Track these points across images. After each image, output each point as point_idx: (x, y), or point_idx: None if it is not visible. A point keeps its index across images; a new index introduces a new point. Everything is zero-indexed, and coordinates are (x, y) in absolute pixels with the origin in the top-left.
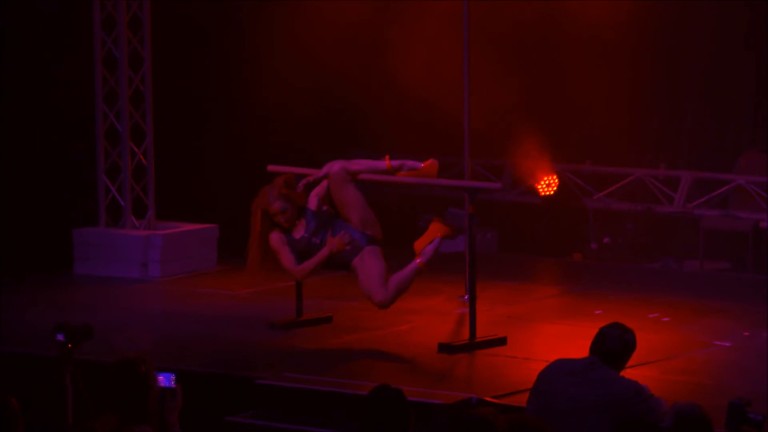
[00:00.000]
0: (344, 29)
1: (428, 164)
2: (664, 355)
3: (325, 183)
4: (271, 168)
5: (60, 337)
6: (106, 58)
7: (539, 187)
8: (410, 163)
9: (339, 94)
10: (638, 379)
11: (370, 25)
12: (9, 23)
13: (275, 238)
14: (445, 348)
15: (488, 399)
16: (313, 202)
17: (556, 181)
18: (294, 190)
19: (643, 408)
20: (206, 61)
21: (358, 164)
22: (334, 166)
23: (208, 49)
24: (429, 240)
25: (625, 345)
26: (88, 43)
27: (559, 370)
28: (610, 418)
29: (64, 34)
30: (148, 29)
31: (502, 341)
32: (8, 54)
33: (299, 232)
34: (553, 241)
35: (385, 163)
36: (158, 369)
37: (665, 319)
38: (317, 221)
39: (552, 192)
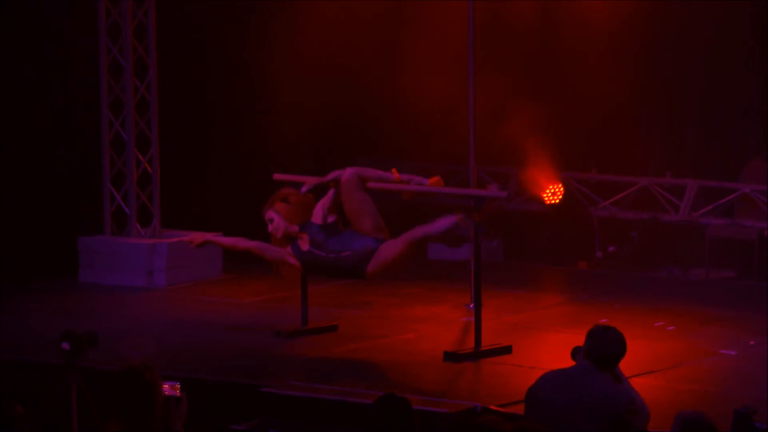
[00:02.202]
0: (349, 38)
1: (434, 181)
2: (670, 363)
3: (330, 194)
4: (276, 176)
5: (65, 345)
6: (111, 66)
7: (544, 195)
8: (417, 178)
9: (345, 102)
10: (644, 387)
11: (376, 34)
12: (15, 31)
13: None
14: (450, 356)
15: (493, 407)
16: (318, 215)
17: (562, 189)
18: (294, 206)
19: (632, 419)
20: (212, 69)
21: (369, 172)
22: (347, 172)
23: (213, 58)
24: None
25: (622, 346)
26: (94, 51)
27: (550, 381)
28: (605, 425)
29: (71, 42)
30: (154, 37)
31: (507, 350)
32: (15, 62)
33: (305, 245)
34: (558, 250)
35: (394, 176)
36: (163, 377)
37: (671, 327)
38: (323, 234)
39: (557, 200)
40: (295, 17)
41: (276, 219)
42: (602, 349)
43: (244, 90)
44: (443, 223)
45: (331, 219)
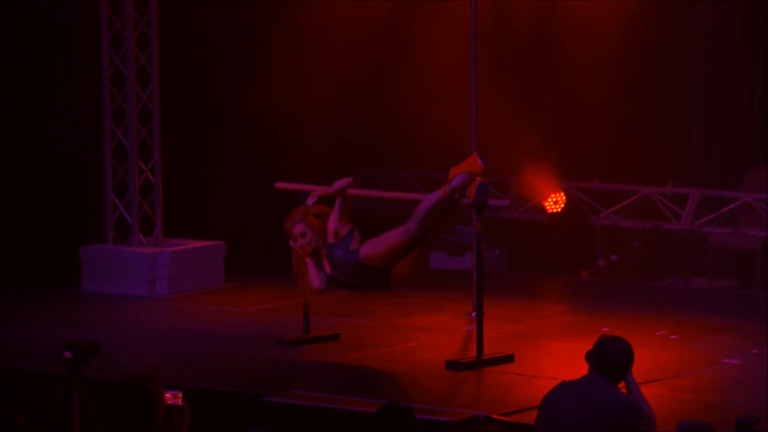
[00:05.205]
0: (352, 48)
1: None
2: (672, 372)
3: (337, 206)
4: (279, 185)
5: (67, 354)
6: (113, 76)
7: (547, 204)
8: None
9: (347, 110)
10: (646, 396)
11: (379, 44)
12: (16, 39)
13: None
14: (452, 365)
15: (495, 416)
16: (330, 233)
17: (564, 198)
18: (322, 223)
19: (640, 426)
20: (214, 78)
21: (418, 210)
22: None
23: (215, 66)
24: (460, 171)
25: (629, 355)
26: (96, 61)
27: (562, 391)
28: None
29: (73, 51)
30: (156, 46)
31: (509, 358)
32: (17, 70)
33: (328, 268)
34: (560, 259)
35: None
36: (165, 386)
37: (673, 336)
38: (340, 250)
39: (559, 209)
40: (298, 27)
41: (309, 234)
42: (609, 361)
43: (246, 99)
44: (429, 199)
45: (344, 230)
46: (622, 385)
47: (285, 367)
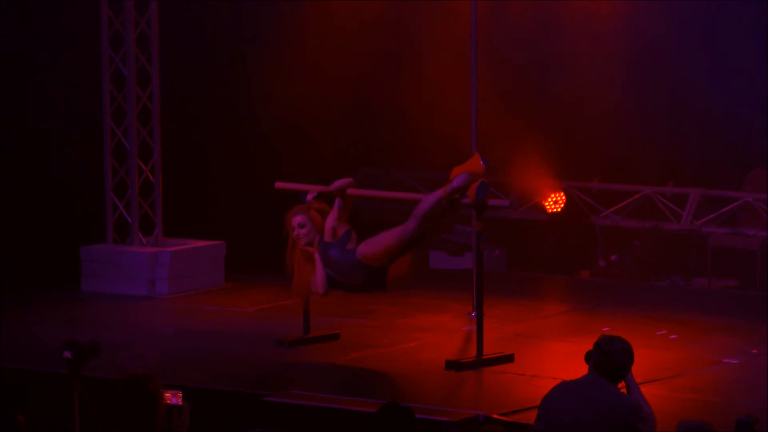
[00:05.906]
0: (353, 48)
1: (472, 161)
2: (672, 372)
3: (336, 206)
4: (278, 185)
5: (67, 354)
6: (113, 76)
7: (547, 204)
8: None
9: (348, 110)
10: (646, 396)
11: (379, 43)
12: (17, 39)
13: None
14: (452, 365)
15: (495, 416)
16: (327, 232)
17: (564, 198)
18: (321, 221)
19: (640, 426)
20: (214, 78)
21: (418, 210)
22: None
23: (215, 67)
24: (462, 171)
25: (629, 356)
26: (96, 61)
27: (562, 391)
28: None
29: (73, 51)
30: (156, 46)
31: (509, 358)
32: (17, 70)
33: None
34: (560, 259)
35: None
36: (165, 386)
37: (673, 336)
38: (336, 249)
39: (559, 209)
40: (299, 27)
41: (308, 226)
42: (610, 361)
43: (247, 99)
44: (429, 199)
45: (342, 231)
46: (622, 385)
47: (285, 367)
